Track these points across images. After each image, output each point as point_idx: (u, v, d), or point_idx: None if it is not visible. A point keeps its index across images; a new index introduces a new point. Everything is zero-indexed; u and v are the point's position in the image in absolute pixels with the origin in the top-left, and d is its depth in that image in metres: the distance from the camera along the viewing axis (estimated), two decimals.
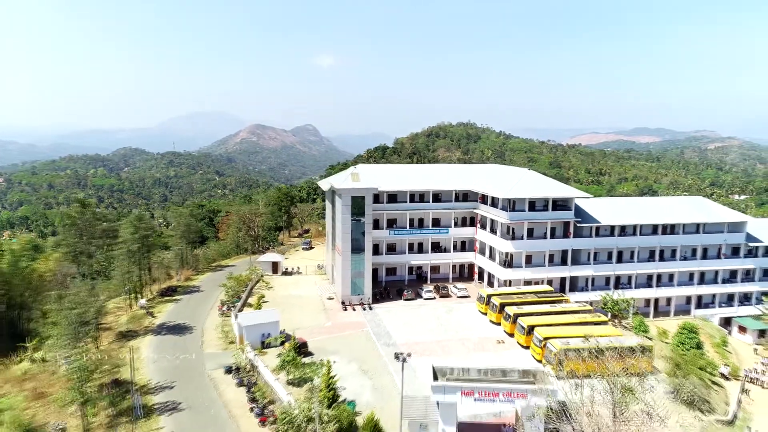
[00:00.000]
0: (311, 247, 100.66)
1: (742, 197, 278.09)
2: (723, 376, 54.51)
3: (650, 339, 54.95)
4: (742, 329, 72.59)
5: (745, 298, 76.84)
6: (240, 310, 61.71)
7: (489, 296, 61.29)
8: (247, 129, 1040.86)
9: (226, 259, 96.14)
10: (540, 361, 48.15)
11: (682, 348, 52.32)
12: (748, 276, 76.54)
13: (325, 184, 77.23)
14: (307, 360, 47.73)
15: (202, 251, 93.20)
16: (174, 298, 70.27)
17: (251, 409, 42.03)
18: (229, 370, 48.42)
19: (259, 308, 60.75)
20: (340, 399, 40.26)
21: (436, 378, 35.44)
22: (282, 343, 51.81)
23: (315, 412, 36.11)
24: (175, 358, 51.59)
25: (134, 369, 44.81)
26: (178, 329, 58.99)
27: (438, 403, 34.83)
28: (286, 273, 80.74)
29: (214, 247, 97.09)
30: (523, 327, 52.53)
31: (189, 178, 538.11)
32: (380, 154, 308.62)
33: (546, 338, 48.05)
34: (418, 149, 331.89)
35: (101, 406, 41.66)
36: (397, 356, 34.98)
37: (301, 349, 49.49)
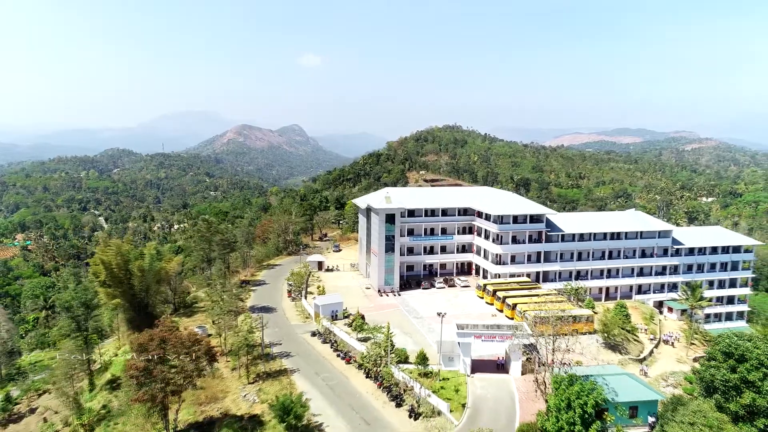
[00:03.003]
0: (340, 250, 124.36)
1: (710, 200, 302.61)
2: (643, 332, 79.90)
3: (595, 313, 79.73)
4: (670, 309, 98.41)
5: (673, 287, 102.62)
6: (304, 297, 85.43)
7: (485, 285, 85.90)
8: (234, 129, 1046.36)
9: (271, 260, 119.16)
10: None
11: (615, 318, 77.30)
12: (675, 270, 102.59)
13: (361, 203, 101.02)
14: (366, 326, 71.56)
15: (255, 252, 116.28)
16: (250, 288, 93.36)
17: (337, 355, 65.87)
18: (313, 334, 72.31)
19: (323, 294, 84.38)
20: (395, 346, 64.27)
21: (459, 329, 59.69)
22: (346, 317, 75.73)
23: (384, 351, 60.24)
24: (274, 327, 75.11)
25: (256, 332, 68.16)
26: (265, 309, 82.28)
27: (460, 343, 59.16)
28: (328, 270, 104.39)
29: (261, 249, 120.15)
30: (509, 305, 77.17)
31: (180, 180, 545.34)
32: (375, 161, 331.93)
33: (524, 311, 72.52)
34: (409, 154, 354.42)
35: (241, 354, 64.89)
36: (438, 313, 59.31)
37: (362, 319, 73.29)
